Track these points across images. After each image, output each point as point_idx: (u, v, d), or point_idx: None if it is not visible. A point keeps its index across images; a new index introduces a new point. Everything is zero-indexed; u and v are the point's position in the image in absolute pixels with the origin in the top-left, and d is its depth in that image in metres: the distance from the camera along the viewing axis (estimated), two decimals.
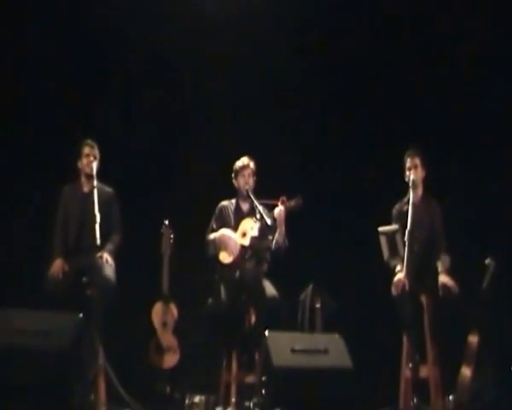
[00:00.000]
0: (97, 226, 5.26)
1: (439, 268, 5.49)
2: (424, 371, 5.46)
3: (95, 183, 5.51)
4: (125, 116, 6.75)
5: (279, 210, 5.48)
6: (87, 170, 5.64)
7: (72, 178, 5.78)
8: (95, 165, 5.61)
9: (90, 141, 5.72)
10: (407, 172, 5.71)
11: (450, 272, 5.45)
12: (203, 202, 6.13)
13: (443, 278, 5.43)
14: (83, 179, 5.72)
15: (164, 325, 5.94)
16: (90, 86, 6.66)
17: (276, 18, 6.78)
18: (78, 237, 5.59)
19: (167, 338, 5.94)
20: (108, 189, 5.75)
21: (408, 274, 5.43)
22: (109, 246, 5.57)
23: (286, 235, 5.56)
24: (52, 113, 6.54)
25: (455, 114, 6.57)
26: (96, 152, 5.71)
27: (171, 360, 5.93)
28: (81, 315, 4.75)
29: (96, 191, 5.44)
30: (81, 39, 6.63)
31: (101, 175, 5.67)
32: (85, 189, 5.68)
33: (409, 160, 5.71)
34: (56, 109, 6.55)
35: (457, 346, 5.43)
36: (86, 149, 5.68)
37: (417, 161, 5.70)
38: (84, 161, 5.66)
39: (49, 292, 5.27)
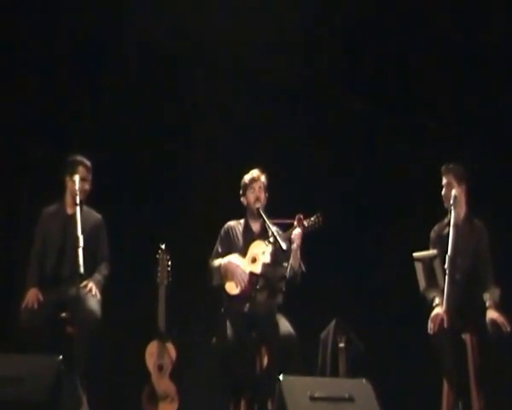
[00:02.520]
0: (80, 251, 4.91)
1: (487, 302, 5.13)
2: None
3: (77, 200, 5.18)
4: (118, 129, 6.52)
5: (298, 232, 5.23)
6: (76, 192, 5.25)
7: (54, 196, 5.52)
8: (84, 189, 5.32)
9: (86, 161, 5.42)
10: (444, 191, 5.40)
11: (499, 306, 5.10)
12: (206, 222, 5.94)
13: (492, 314, 5.05)
14: (67, 199, 5.41)
15: (160, 368, 5.62)
16: (81, 97, 6.53)
17: (293, 20, 6.57)
18: (57, 265, 5.30)
19: (164, 384, 5.62)
20: (96, 214, 5.51)
21: (448, 309, 5.02)
22: (96, 276, 5.32)
23: (302, 259, 5.28)
24: (36, 122, 6.43)
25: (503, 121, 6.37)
26: (90, 175, 5.40)
27: (167, 409, 5.61)
28: (60, 357, 4.42)
29: (78, 210, 5.10)
30: (69, 48, 6.56)
31: (91, 193, 5.47)
32: (69, 210, 5.38)
33: (444, 176, 5.41)
34: (41, 118, 6.42)
35: (509, 394, 5.01)
36: (81, 171, 5.36)
37: (454, 176, 5.36)
38: (76, 182, 5.28)
39: (23, 329, 5.01)
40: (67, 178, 5.37)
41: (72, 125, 6.41)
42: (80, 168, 5.35)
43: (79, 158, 5.41)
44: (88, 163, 5.40)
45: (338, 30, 6.71)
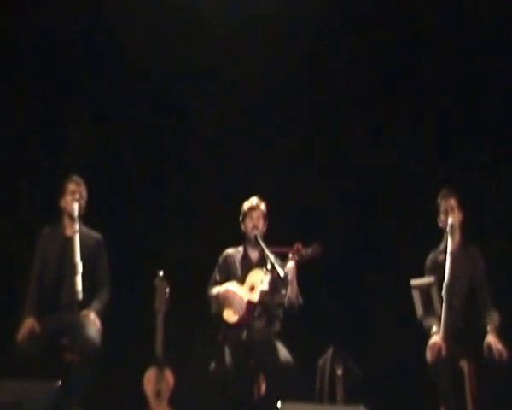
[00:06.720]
0: (78, 278, 4.89)
1: (488, 326, 5.10)
2: None
3: (77, 226, 5.13)
4: (115, 152, 6.54)
5: (291, 266, 5.21)
6: (70, 210, 5.23)
7: (53, 219, 5.45)
8: (77, 205, 5.24)
9: (75, 177, 5.38)
10: (442, 217, 5.39)
11: (499, 331, 5.08)
12: (205, 249, 5.87)
13: (489, 338, 5.03)
14: (65, 221, 5.31)
15: (157, 394, 5.44)
16: (76, 119, 6.51)
17: (295, 40, 6.56)
18: (56, 291, 5.21)
19: None
20: (96, 234, 5.41)
21: (446, 336, 5.03)
22: (96, 305, 5.22)
23: (299, 290, 5.26)
24: (32, 144, 6.42)
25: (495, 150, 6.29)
26: (83, 190, 5.36)
27: None
28: (59, 383, 4.44)
29: (77, 236, 5.07)
30: (63, 63, 6.54)
31: (87, 219, 5.39)
32: (68, 232, 5.25)
33: (443, 202, 5.40)
34: (37, 141, 6.44)
35: None
36: (71, 186, 5.31)
37: (453, 202, 5.37)
38: (68, 199, 5.27)
39: (20, 358, 4.92)
40: (61, 201, 5.31)
41: (71, 148, 6.38)
42: (69, 185, 5.30)
43: (68, 177, 5.37)
44: (76, 178, 5.33)
45: (338, 50, 6.63)
